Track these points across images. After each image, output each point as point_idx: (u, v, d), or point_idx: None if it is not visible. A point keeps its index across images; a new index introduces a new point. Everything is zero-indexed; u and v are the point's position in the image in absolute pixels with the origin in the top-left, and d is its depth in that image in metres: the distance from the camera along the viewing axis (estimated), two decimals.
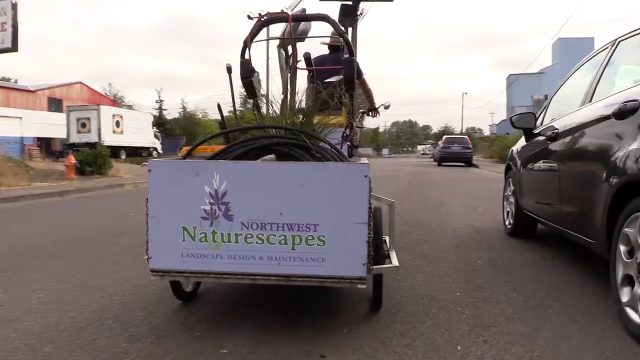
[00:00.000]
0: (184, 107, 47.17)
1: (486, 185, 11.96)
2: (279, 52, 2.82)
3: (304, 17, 2.47)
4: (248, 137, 2.37)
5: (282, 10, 2.34)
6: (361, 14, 4.47)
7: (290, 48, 3.57)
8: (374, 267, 2.24)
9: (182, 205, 2.12)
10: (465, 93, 76.29)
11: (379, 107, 5.29)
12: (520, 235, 4.77)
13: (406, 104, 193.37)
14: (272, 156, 2.31)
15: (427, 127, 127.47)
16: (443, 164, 24.18)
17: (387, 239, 2.96)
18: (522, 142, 4.82)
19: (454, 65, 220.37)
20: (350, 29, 4.04)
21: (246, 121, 2.56)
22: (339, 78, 3.79)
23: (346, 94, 2.85)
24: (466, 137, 27.38)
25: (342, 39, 2.76)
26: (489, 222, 5.93)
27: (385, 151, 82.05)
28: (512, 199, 4.98)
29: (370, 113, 5.23)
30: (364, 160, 2.90)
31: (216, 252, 2.10)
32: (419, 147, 78.74)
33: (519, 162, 4.74)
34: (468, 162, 23.86)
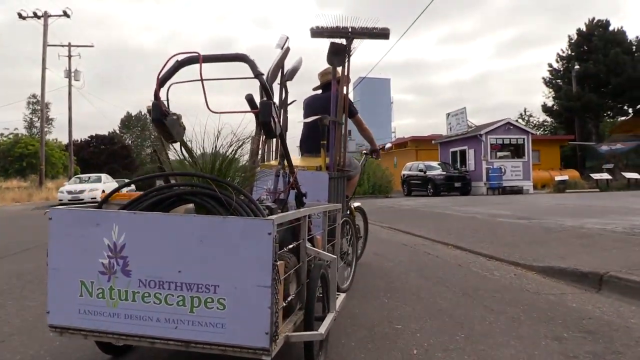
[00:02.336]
0: None
1: None
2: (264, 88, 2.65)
3: (218, 58, 2.25)
4: (164, 184, 2.25)
5: (195, 52, 2.22)
6: (349, 50, 4.12)
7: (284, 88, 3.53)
8: (293, 334, 2.06)
9: (81, 257, 1.97)
10: None
11: (380, 148, 5.25)
12: None
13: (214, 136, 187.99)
14: (191, 206, 2.16)
15: None
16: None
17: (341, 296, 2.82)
18: None
19: None
20: (340, 67, 4.07)
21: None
22: (315, 118, 3.83)
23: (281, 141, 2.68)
24: None
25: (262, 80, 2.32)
26: None
27: None
28: None
29: (373, 155, 5.18)
30: (336, 206, 2.86)
31: (113, 310, 1.93)
32: None
33: None
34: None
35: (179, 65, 2.23)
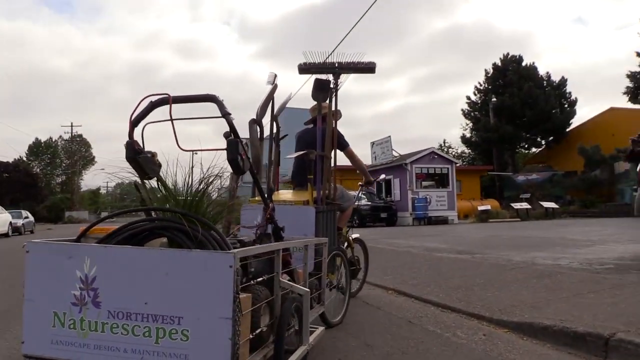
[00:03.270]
0: None
1: None
2: (252, 128, 2.76)
3: (187, 99, 2.32)
4: (138, 219, 2.28)
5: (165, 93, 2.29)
6: (337, 85, 4.15)
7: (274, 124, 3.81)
8: None
9: (55, 289, 2.01)
10: (196, 153, 69.95)
11: (376, 180, 5.34)
12: None
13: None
14: (164, 240, 2.20)
15: None
16: None
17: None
18: None
19: (181, 129, 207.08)
20: (325, 102, 4.17)
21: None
22: (302, 153, 4.04)
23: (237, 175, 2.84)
24: None
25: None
26: None
27: (104, 215, 72.48)
28: None
29: (367, 186, 5.24)
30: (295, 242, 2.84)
31: (83, 340, 1.95)
32: None
33: None
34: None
35: (152, 106, 2.32)
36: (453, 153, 47.37)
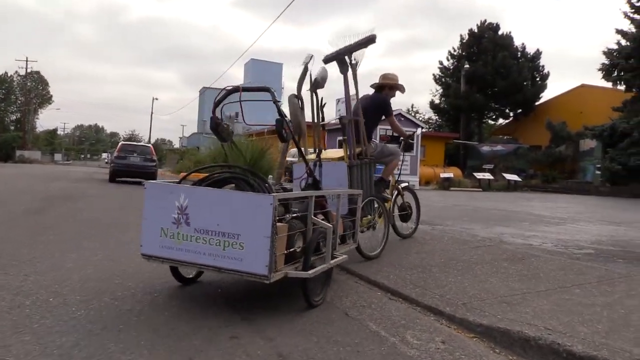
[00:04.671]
0: None
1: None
2: (292, 101, 3.86)
3: (252, 88, 3.32)
4: (218, 170, 3.31)
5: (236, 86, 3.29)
6: (356, 63, 4.78)
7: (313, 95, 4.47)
8: (291, 271, 2.89)
9: (161, 212, 2.94)
10: (156, 98, 74.17)
11: (412, 134, 6.34)
12: None
13: (93, 106, 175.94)
14: (232, 185, 3.09)
15: (115, 135, 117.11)
16: (118, 179, 17.55)
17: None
18: None
19: (147, 74, 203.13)
20: (348, 76, 4.75)
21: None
22: (336, 119, 5.09)
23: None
24: (150, 145, 21.03)
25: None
26: None
27: (58, 157, 68.45)
28: None
29: (408, 140, 6.06)
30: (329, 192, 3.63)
31: (178, 246, 2.89)
32: (104, 155, 68.32)
33: None
34: (151, 179, 16.09)
35: (227, 93, 3.27)
36: (420, 118, 46.60)
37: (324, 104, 4.69)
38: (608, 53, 23.90)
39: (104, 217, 7.15)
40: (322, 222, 3.24)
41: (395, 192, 5.67)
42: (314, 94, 4.47)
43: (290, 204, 3.12)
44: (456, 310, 3.07)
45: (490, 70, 32.51)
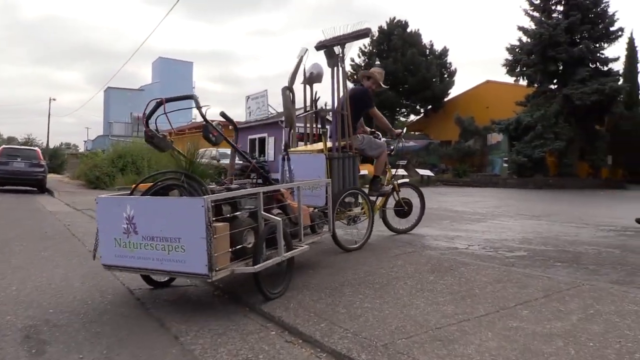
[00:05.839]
0: None
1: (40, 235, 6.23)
2: (284, 94, 4.27)
3: (175, 99, 3.37)
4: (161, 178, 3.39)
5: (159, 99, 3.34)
6: (343, 55, 4.82)
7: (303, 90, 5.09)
8: (237, 267, 2.96)
9: (113, 223, 3.05)
10: (54, 99, 61.19)
11: (399, 133, 6.22)
12: None
13: None
14: (176, 191, 3.18)
15: (12, 139, 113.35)
16: (0, 187, 15.71)
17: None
18: None
19: (46, 74, 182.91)
20: (334, 69, 4.91)
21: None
22: (312, 112, 5.39)
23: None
24: (36, 149, 19.48)
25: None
26: None
27: None
28: None
29: (397, 138, 6.19)
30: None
31: (131, 254, 2.99)
32: None
33: None
34: (39, 186, 16.06)
35: (157, 105, 3.33)
36: None
37: (318, 98, 5.06)
38: (511, 49, 24.61)
39: None
40: (272, 216, 3.29)
41: (391, 187, 5.70)
42: (306, 87, 4.85)
43: (239, 202, 3.26)
44: (375, 357, 2.17)
45: (401, 67, 32.67)
